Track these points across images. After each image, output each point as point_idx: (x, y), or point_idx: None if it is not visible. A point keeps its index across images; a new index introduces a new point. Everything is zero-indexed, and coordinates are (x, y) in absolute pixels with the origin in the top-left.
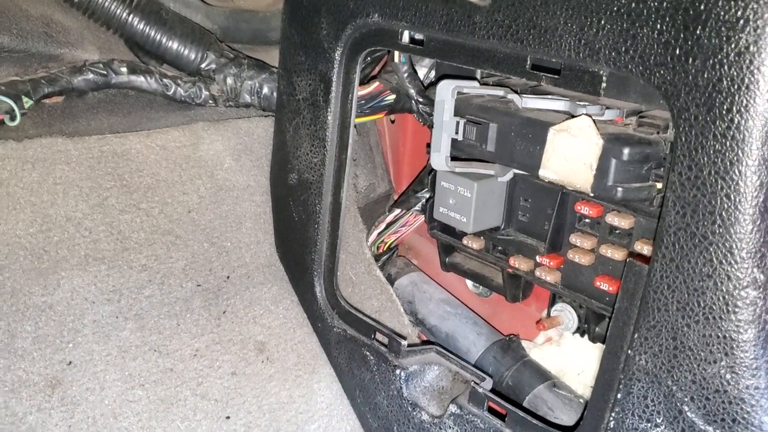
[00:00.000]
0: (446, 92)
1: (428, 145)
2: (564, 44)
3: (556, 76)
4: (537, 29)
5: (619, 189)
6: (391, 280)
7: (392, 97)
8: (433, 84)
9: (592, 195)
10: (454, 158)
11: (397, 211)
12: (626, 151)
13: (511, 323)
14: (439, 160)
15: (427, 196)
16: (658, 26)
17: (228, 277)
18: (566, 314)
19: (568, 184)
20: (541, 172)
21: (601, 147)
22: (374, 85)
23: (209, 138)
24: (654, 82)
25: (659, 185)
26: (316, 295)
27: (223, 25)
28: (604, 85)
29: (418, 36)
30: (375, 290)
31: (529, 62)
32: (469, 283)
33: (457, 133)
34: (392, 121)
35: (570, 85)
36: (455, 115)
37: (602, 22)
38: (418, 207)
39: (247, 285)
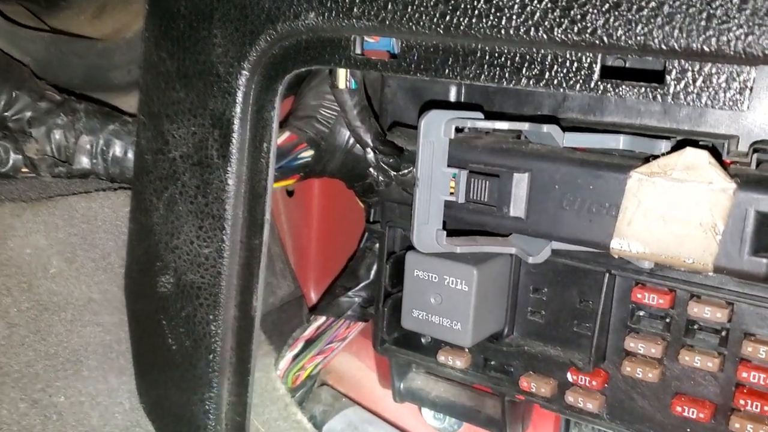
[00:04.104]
0: (437, 128)
1: (368, 221)
2: (678, 24)
3: (656, 86)
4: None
5: (765, 262)
6: (317, 425)
7: (310, 152)
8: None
9: (711, 273)
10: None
11: (321, 320)
12: None
13: None
14: (428, 236)
15: (365, 294)
16: None
17: None
18: None
19: (668, 260)
20: (615, 244)
21: (734, 194)
22: (285, 136)
23: (24, 228)
24: None
25: None
26: None
27: (41, 58)
28: (748, 94)
29: (380, 42)
30: None
31: (598, 65)
32: (427, 413)
33: (454, 193)
34: (290, 194)
35: (684, 98)
36: (450, 165)
37: None
38: (353, 312)
39: None
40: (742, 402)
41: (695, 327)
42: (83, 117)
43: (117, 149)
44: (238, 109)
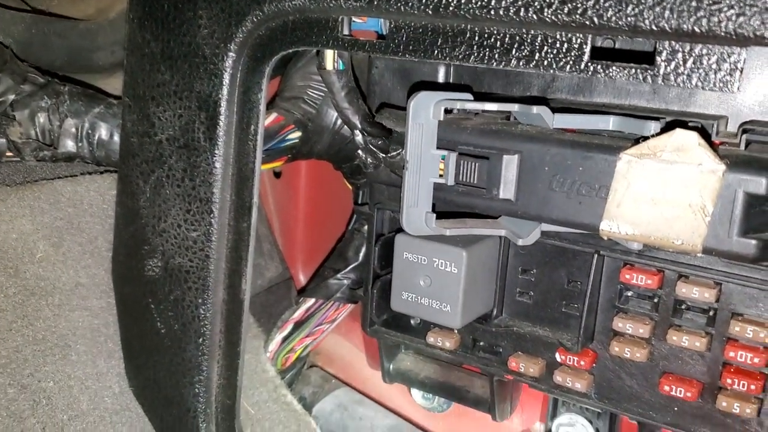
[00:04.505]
0: (425, 110)
1: (356, 203)
2: (669, 5)
3: (646, 67)
4: None
5: (753, 243)
6: (306, 406)
7: (297, 134)
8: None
9: (700, 254)
10: (438, 215)
11: (310, 302)
12: (765, 181)
13: None
14: (417, 219)
15: (354, 276)
16: None
17: None
18: (578, 430)
19: (658, 242)
20: (605, 226)
21: (723, 175)
22: (271, 117)
23: (9, 213)
24: None
25: None
26: None
27: (22, 39)
28: (738, 75)
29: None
30: (288, 425)
31: (588, 47)
32: (416, 393)
33: (443, 175)
34: (277, 176)
35: (674, 79)
36: (439, 147)
37: None
38: (342, 294)
39: None
40: (729, 381)
41: (683, 307)
42: (67, 99)
43: (102, 132)
44: (224, 91)
